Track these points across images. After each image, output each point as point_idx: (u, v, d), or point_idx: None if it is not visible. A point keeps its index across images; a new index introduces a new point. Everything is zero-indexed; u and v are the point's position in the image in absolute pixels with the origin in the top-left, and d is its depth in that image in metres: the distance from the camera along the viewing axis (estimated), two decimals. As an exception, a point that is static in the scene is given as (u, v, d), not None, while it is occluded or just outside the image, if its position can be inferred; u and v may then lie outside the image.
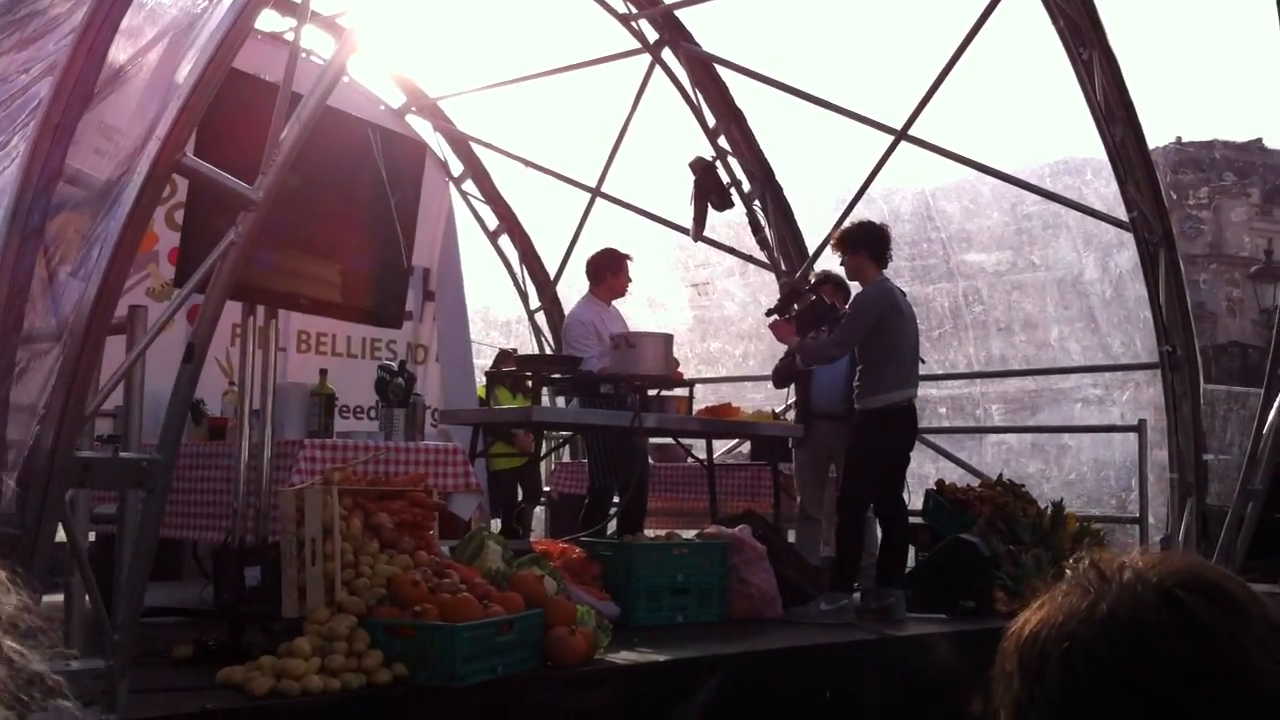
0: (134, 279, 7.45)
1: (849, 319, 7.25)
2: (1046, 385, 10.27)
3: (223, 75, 3.46)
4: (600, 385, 7.72)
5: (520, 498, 10.83)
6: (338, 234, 5.59)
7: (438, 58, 11.54)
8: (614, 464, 8.00)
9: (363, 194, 5.64)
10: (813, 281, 8.51)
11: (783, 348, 8.32)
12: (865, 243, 7.23)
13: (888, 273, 7.36)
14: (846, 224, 7.68)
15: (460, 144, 12.33)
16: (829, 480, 8.42)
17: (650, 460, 8.84)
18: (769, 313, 7.90)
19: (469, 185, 12.54)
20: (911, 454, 7.52)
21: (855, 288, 7.70)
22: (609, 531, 7.70)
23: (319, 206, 5.41)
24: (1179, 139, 39.91)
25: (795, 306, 7.84)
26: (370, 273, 5.79)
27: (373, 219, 5.70)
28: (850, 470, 7.23)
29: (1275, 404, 8.13)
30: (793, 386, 8.66)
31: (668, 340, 7.73)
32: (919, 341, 7.40)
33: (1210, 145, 40.30)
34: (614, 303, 8.64)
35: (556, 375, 7.97)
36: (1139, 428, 9.06)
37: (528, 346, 12.66)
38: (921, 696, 6.16)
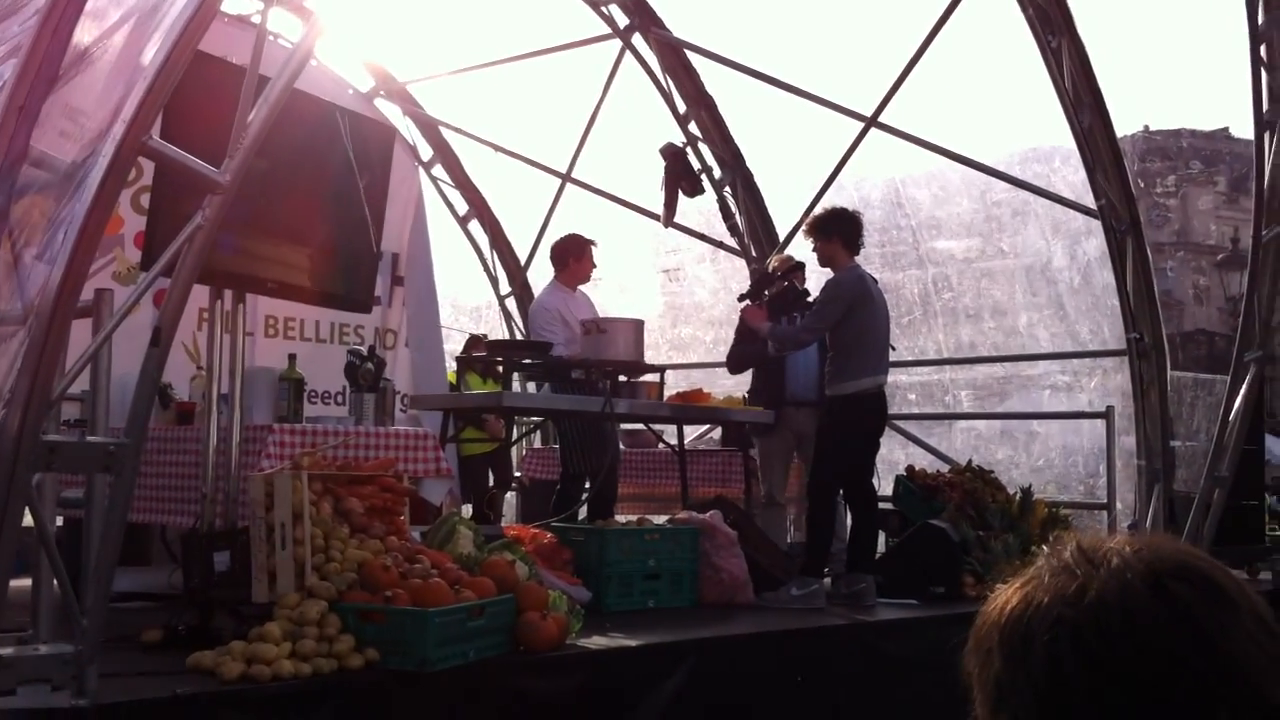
0: (100, 263, 7.38)
1: (821, 305, 7.25)
2: (1015, 372, 10.33)
3: (189, 57, 3.43)
4: (571, 371, 7.71)
5: (491, 483, 10.82)
6: (305, 218, 5.56)
7: (407, 42, 11.51)
8: (585, 449, 8.00)
9: (331, 178, 5.61)
10: (771, 268, 8.52)
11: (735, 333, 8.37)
12: (838, 229, 7.23)
13: (859, 259, 7.36)
14: (818, 210, 7.67)
15: (429, 128, 12.28)
16: (795, 466, 8.45)
17: (621, 446, 8.84)
18: (741, 298, 7.92)
19: (438, 170, 12.50)
20: (881, 440, 7.54)
21: (816, 275, 7.73)
22: (580, 517, 7.70)
23: (287, 190, 5.37)
24: (1146, 128, 40.15)
25: (767, 292, 7.85)
26: (339, 257, 5.75)
27: (341, 203, 5.66)
28: (820, 455, 7.23)
29: (1241, 391, 8.20)
30: (752, 372, 8.68)
31: (638, 326, 7.73)
32: (890, 328, 7.41)
33: (1178, 134, 40.56)
34: (585, 288, 8.62)
35: (527, 360, 7.96)
36: (1107, 414, 9.12)
37: (497, 332, 12.64)
38: (892, 681, 6.20)
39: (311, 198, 5.59)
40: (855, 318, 7.05)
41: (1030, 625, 1.14)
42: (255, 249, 5.28)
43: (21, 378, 3.24)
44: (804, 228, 7.63)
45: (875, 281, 7.45)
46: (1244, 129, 38.33)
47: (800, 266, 8.30)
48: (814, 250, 7.43)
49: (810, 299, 7.84)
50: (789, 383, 8.29)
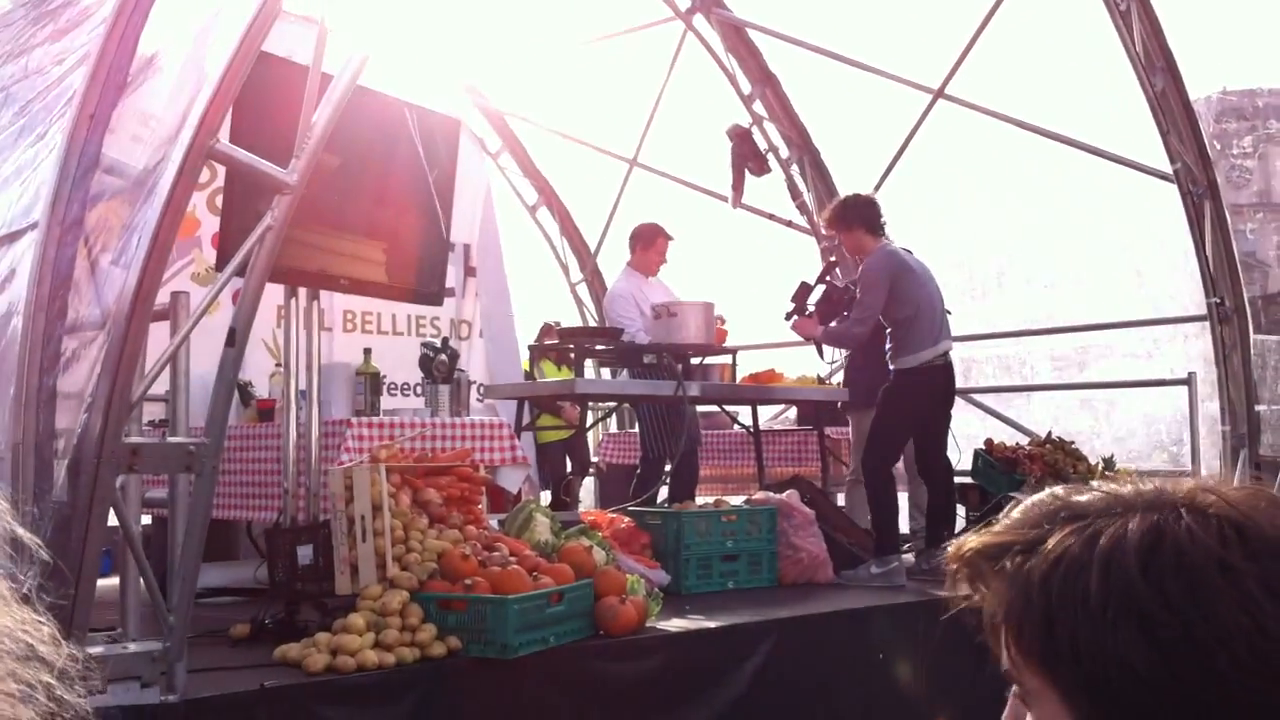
0: (178, 265, 7.51)
1: (863, 292, 7.12)
2: (1094, 341, 10.18)
3: (253, 59, 3.48)
4: (643, 355, 7.73)
5: (568, 469, 10.89)
6: (378, 213, 5.61)
7: (470, 34, 11.55)
8: (664, 432, 8.03)
9: (401, 172, 5.65)
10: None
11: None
12: (858, 217, 7.15)
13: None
14: (833, 203, 7.58)
15: (495, 119, 12.35)
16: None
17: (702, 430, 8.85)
18: (787, 316, 7.80)
19: (505, 160, 12.56)
20: (955, 413, 7.44)
21: None
22: (660, 499, 7.72)
23: (358, 186, 5.42)
24: (1225, 89, 39.32)
25: (810, 303, 7.75)
26: (412, 251, 5.80)
27: (412, 196, 5.71)
28: (878, 428, 7.13)
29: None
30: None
31: (708, 308, 7.72)
32: (941, 295, 7.27)
33: (1253, 93, 39.68)
34: (663, 272, 8.65)
35: (600, 347, 7.99)
36: (1189, 381, 8.97)
37: (570, 319, 12.70)
38: (974, 655, 6.15)
39: (383, 192, 5.63)
40: (901, 292, 6.96)
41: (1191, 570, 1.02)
42: (328, 245, 5.34)
43: (102, 381, 3.31)
44: (824, 223, 7.59)
45: (911, 253, 7.35)
46: (1325, 85, 37.53)
47: (833, 265, 8.22)
48: (839, 244, 7.38)
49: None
50: None
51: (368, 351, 6.52)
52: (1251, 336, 8.86)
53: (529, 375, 10.19)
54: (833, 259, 8.38)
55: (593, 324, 12.23)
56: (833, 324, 7.49)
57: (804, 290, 7.79)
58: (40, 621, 0.90)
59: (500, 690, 4.46)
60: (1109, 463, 8.18)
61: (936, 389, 7.08)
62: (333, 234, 5.33)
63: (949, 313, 7.34)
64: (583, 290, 13.10)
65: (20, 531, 0.94)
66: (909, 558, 7.25)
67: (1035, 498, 1.16)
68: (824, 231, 10.77)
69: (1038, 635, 1.07)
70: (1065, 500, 1.12)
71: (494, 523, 5.62)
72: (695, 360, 7.81)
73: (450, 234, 6.11)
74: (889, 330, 7.12)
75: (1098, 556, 1.04)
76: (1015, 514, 1.15)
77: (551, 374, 10.30)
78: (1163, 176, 8.98)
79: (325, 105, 3.69)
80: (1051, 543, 1.08)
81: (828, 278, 7.86)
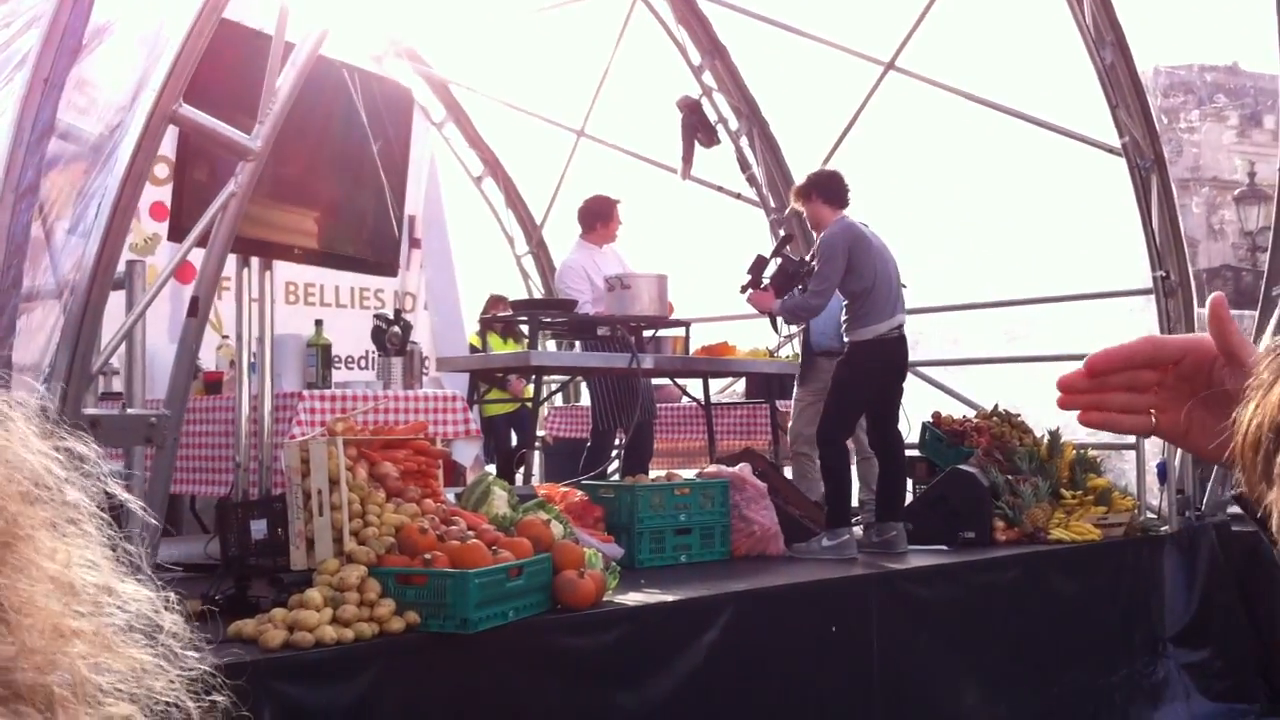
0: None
1: (820, 264, 7.14)
2: (1040, 313, 10.26)
3: (216, 22, 3.39)
4: (596, 327, 7.69)
5: (514, 443, 10.84)
6: (311, 180, 5.44)
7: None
8: (616, 405, 7.99)
9: (338, 137, 5.47)
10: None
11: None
12: (815, 190, 7.23)
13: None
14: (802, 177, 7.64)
15: (440, 88, 12.20)
16: None
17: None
18: (743, 289, 7.76)
19: (450, 130, 12.43)
20: (904, 386, 7.47)
21: None
22: (611, 473, 7.69)
23: (292, 152, 5.26)
24: (1157, 66, 39.63)
25: (766, 276, 7.72)
26: (352, 220, 5.66)
27: (351, 163, 5.53)
28: (833, 401, 7.15)
29: (1270, 326, 8.13)
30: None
31: (662, 280, 7.69)
32: (898, 268, 7.29)
33: (1201, 68, 40.04)
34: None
35: (551, 319, 7.95)
36: (1133, 353, 9.04)
37: (515, 291, 12.62)
38: (925, 627, 6.21)
39: (325, 161, 5.47)
40: (858, 265, 6.98)
41: None
42: (264, 215, 5.19)
43: (61, 352, 3.23)
44: (792, 197, 7.65)
45: (867, 226, 7.37)
46: (1253, 63, 38.00)
47: (788, 239, 8.22)
48: (789, 217, 7.40)
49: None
50: (813, 334, 8.27)
51: (319, 323, 6.42)
52: (1195, 310, 8.96)
53: (474, 348, 10.12)
54: (784, 232, 8.36)
55: (538, 296, 12.17)
56: (789, 296, 7.47)
57: (760, 263, 7.76)
58: (160, 593, 0.84)
59: (460, 665, 4.43)
60: (1054, 435, 8.25)
61: (892, 361, 7.11)
62: (268, 202, 5.16)
63: (905, 286, 7.37)
64: (528, 262, 13.00)
65: (124, 496, 0.89)
66: (859, 530, 7.28)
67: None
68: (772, 205, 10.79)
69: (1272, 449, 0.88)
70: None
71: (450, 496, 5.57)
72: (647, 333, 7.78)
73: (402, 205, 6.01)
74: (845, 303, 7.13)
75: None
76: None
77: (498, 346, 10.23)
78: (1110, 150, 9.04)
79: (290, 70, 3.61)
80: None
81: (784, 251, 7.85)
